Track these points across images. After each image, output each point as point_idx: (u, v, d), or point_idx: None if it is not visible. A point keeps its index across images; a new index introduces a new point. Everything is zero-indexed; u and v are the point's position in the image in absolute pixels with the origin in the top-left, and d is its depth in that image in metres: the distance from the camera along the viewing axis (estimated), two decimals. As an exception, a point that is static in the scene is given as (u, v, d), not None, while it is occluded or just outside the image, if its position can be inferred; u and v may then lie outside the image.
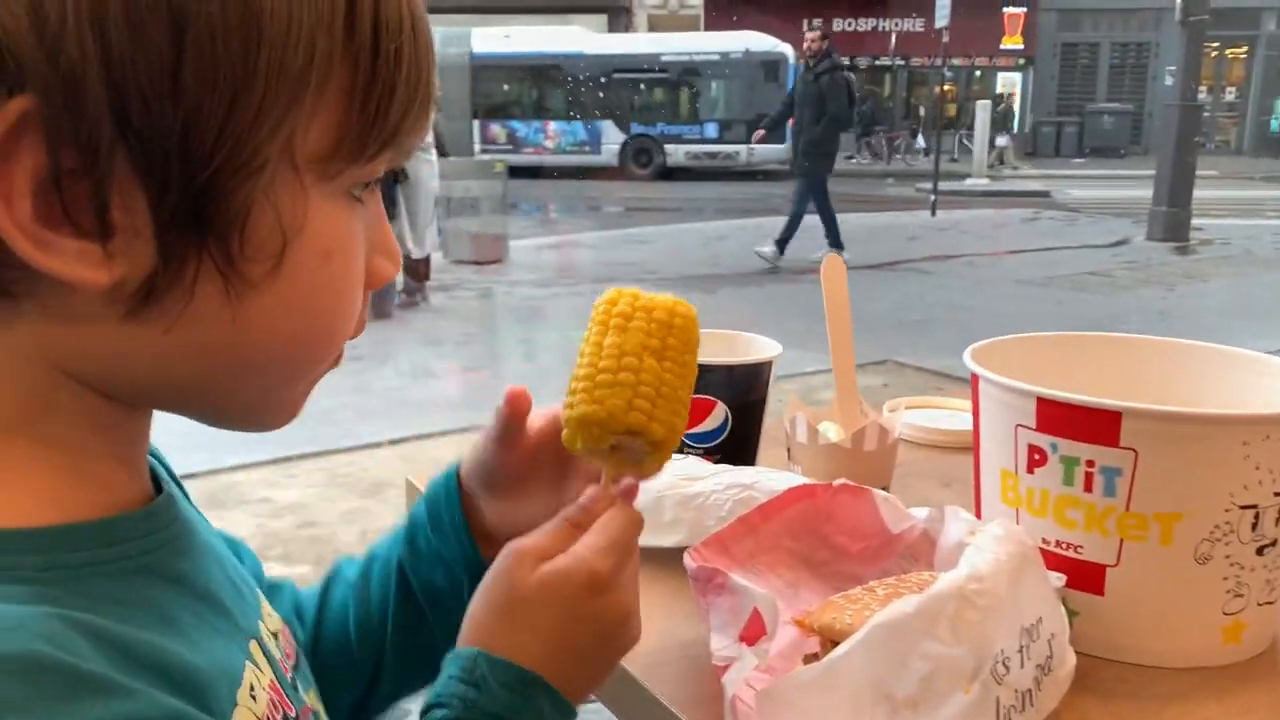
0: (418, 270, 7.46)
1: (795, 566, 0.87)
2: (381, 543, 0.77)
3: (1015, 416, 0.84)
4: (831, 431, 1.00)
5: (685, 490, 0.94)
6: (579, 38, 20.16)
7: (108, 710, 0.39)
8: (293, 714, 0.56)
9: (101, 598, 0.45)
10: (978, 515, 0.92)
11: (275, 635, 0.60)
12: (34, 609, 0.40)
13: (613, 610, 0.60)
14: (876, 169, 20.89)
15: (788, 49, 18.81)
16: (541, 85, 19.74)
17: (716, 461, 1.08)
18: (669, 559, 0.90)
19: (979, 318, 7.19)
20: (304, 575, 3.41)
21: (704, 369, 1.05)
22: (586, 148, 19.77)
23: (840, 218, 9.09)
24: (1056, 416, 0.81)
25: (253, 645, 0.55)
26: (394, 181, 6.79)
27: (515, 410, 0.70)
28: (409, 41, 0.48)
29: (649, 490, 0.94)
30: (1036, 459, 0.83)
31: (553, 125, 19.79)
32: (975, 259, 9.99)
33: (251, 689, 0.52)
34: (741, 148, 18.86)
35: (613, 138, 19.75)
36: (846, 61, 9.09)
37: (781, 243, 9.02)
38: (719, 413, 1.07)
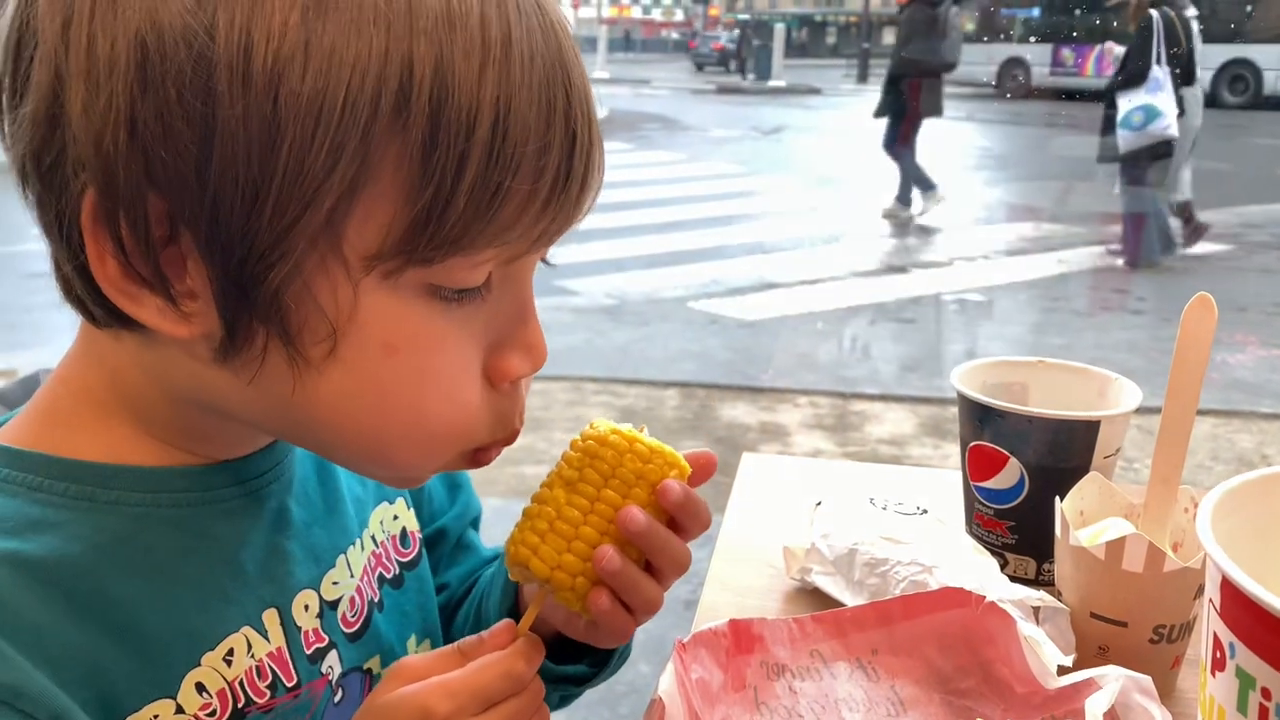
0: (1185, 216, 6.51)
1: (926, 684, 0.69)
2: None
3: (1210, 588, 0.56)
4: (1086, 533, 0.74)
5: (875, 552, 0.80)
6: None
7: None
8: (291, 683, 0.58)
9: (107, 532, 0.52)
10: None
11: (335, 603, 0.62)
12: None
13: None
14: None
15: None
16: None
17: (1009, 529, 0.88)
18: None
19: None
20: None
21: (992, 412, 0.86)
22: None
23: None
24: (1241, 610, 0.52)
25: (269, 614, 0.58)
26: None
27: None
28: (483, 142, 0.46)
29: (850, 536, 0.83)
30: (1218, 658, 0.55)
31: None
32: None
33: (230, 653, 0.55)
34: None
35: None
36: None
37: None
38: (1011, 471, 0.86)
